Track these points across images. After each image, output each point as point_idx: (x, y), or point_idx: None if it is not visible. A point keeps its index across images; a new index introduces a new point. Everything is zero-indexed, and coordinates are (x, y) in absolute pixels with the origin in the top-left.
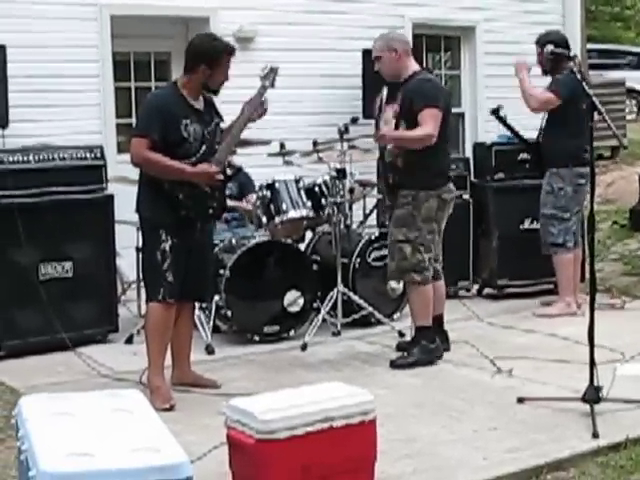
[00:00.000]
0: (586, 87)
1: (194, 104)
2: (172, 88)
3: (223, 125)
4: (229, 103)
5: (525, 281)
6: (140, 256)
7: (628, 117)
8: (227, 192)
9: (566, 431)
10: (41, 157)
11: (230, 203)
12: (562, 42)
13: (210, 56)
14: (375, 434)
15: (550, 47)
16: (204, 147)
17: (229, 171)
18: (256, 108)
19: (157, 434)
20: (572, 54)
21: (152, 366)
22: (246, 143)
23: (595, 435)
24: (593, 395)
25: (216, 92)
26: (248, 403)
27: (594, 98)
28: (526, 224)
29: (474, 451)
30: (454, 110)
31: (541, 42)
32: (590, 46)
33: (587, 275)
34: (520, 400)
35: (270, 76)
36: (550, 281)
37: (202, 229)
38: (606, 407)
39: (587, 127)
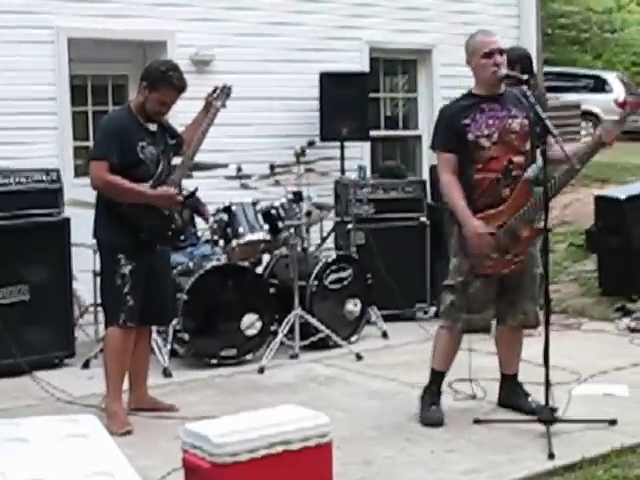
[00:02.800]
0: (539, 110)
1: (148, 126)
2: (126, 110)
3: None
4: (184, 127)
5: None
6: (97, 279)
7: (584, 140)
8: None
9: (522, 452)
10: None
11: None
12: (526, 57)
13: (150, 79)
14: (331, 457)
15: (503, 71)
16: (160, 169)
17: (184, 193)
18: (207, 129)
19: (112, 459)
20: (525, 77)
21: (110, 391)
22: (203, 167)
23: (551, 456)
24: (549, 416)
25: (152, 119)
26: (203, 427)
27: (547, 121)
28: None
29: (431, 473)
30: (410, 132)
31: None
32: (547, 69)
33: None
34: (477, 421)
35: (221, 97)
36: None
37: (160, 252)
38: (562, 428)
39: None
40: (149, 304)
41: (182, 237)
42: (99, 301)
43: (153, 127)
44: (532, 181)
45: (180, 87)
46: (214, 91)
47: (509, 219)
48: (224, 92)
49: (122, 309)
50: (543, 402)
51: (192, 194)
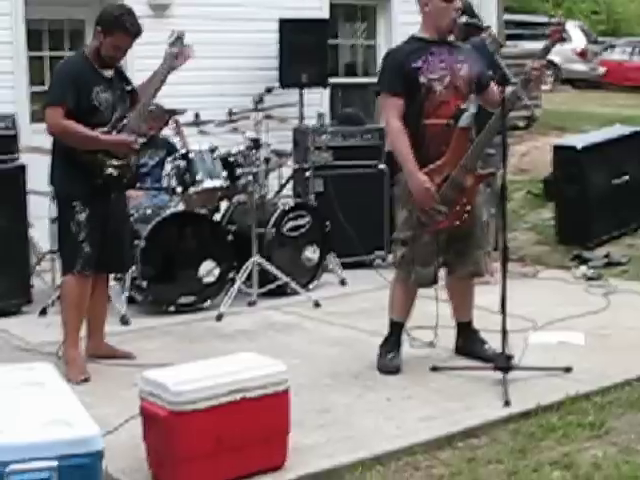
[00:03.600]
0: (498, 58)
1: (103, 72)
2: (81, 56)
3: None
4: (144, 71)
5: None
6: (54, 227)
7: (544, 87)
8: (155, 159)
9: (479, 399)
10: None
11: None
12: (469, 11)
13: (105, 23)
14: (288, 405)
15: (463, 18)
16: (115, 115)
17: (141, 140)
18: (165, 74)
19: (69, 407)
20: (484, 24)
21: (68, 338)
22: (162, 112)
23: (507, 403)
24: (505, 363)
25: (108, 64)
26: (161, 375)
27: (505, 69)
28: None
29: (388, 420)
30: (369, 80)
31: None
32: (507, 17)
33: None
34: (434, 369)
35: (177, 43)
36: None
37: (117, 199)
38: (518, 375)
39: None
40: (106, 251)
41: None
42: (57, 250)
43: (108, 73)
44: (468, 129)
45: (135, 32)
46: (171, 37)
47: (452, 170)
48: (179, 38)
49: (78, 256)
50: (499, 349)
51: (149, 140)
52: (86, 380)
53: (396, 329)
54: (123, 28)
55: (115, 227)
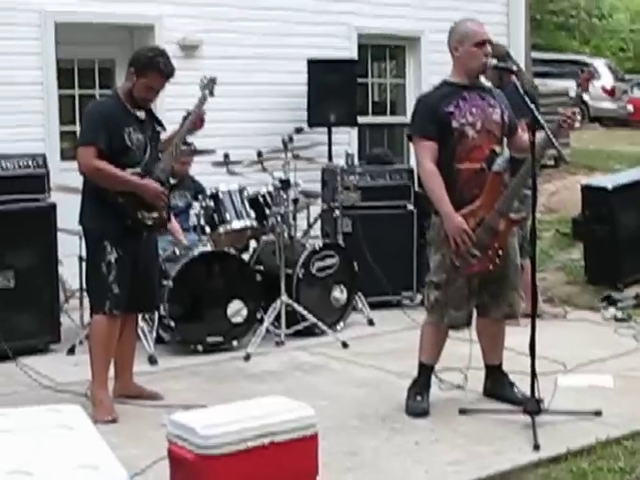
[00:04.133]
0: (528, 102)
1: (135, 112)
2: (114, 96)
3: (164, 134)
4: (173, 111)
5: None
6: (83, 265)
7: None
8: (184, 201)
9: (508, 443)
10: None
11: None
12: (504, 54)
13: (138, 65)
14: (316, 448)
15: (493, 61)
16: (147, 155)
17: (172, 180)
18: (197, 118)
19: (96, 450)
20: (515, 68)
21: (96, 379)
22: (191, 152)
23: (536, 447)
24: (534, 407)
25: (140, 105)
26: (189, 417)
27: (536, 113)
28: None
29: (416, 464)
30: (398, 119)
31: None
32: (535, 55)
33: None
34: (462, 412)
35: (209, 85)
36: None
37: (147, 239)
38: (547, 419)
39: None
40: (135, 291)
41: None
42: (84, 286)
43: (141, 114)
44: (501, 173)
45: (167, 73)
46: (204, 80)
47: (485, 214)
48: (212, 81)
49: (107, 297)
50: (528, 392)
51: (179, 183)
52: (113, 421)
53: (425, 372)
54: (157, 69)
55: (145, 266)
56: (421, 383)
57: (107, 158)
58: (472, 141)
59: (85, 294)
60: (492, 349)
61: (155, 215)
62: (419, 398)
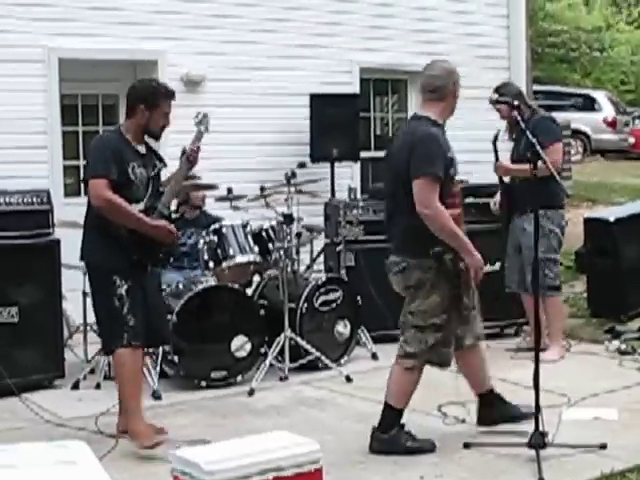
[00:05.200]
0: (529, 136)
1: (138, 148)
2: (117, 132)
3: (164, 170)
4: (177, 147)
5: None
6: (88, 300)
7: (573, 159)
8: (194, 239)
9: (512, 477)
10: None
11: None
12: (516, 95)
13: (148, 98)
14: None
15: (495, 96)
16: (149, 191)
17: (174, 215)
18: (192, 154)
19: None
20: (516, 103)
21: (130, 412)
22: (194, 187)
23: None
24: (539, 440)
25: (157, 136)
26: (194, 453)
27: (538, 147)
28: None
29: None
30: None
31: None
32: (536, 87)
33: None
34: (466, 445)
35: (204, 121)
36: (498, 325)
37: (152, 273)
38: (552, 452)
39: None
40: (148, 326)
41: (172, 258)
42: (89, 321)
43: (142, 149)
44: None
45: (173, 93)
46: (198, 116)
47: None
48: (206, 117)
49: (125, 330)
50: (533, 426)
51: (179, 218)
52: (157, 444)
53: (399, 415)
54: (165, 95)
55: (152, 301)
56: (401, 426)
57: (113, 192)
58: (455, 187)
59: (89, 329)
60: (480, 377)
61: (162, 250)
62: (416, 439)
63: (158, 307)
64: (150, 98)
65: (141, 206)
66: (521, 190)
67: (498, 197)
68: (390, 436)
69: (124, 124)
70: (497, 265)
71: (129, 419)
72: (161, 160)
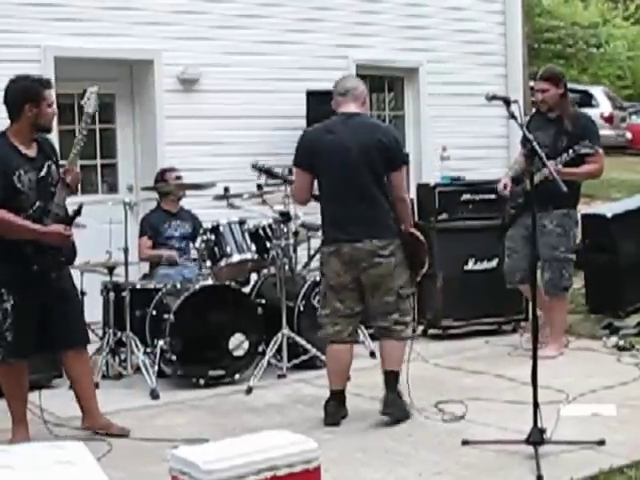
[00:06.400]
0: (526, 133)
1: (27, 152)
2: (3, 140)
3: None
4: (175, 144)
5: (469, 321)
6: (85, 300)
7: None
8: (181, 231)
9: (511, 474)
10: None
11: (155, 252)
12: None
13: (31, 95)
14: None
15: (491, 93)
16: (39, 195)
17: (70, 212)
18: (75, 176)
19: None
20: (513, 99)
21: (11, 415)
22: (191, 186)
23: (539, 478)
24: (537, 437)
25: (49, 129)
26: (191, 452)
27: (534, 144)
28: (470, 265)
29: None
30: None
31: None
32: (533, 84)
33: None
34: (465, 443)
35: (90, 98)
36: (496, 321)
37: (58, 277)
38: (550, 449)
39: None
40: (56, 331)
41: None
42: (88, 321)
43: (32, 152)
44: None
45: (49, 81)
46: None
47: None
48: (92, 93)
49: (1, 345)
50: (532, 423)
51: (78, 212)
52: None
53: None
54: (45, 86)
55: (59, 306)
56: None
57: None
58: None
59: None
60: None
61: (62, 254)
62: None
63: (69, 309)
64: (33, 95)
65: (29, 214)
66: (543, 187)
67: (506, 180)
68: (404, 399)
69: (10, 129)
70: (495, 262)
71: (12, 420)
72: (54, 154)
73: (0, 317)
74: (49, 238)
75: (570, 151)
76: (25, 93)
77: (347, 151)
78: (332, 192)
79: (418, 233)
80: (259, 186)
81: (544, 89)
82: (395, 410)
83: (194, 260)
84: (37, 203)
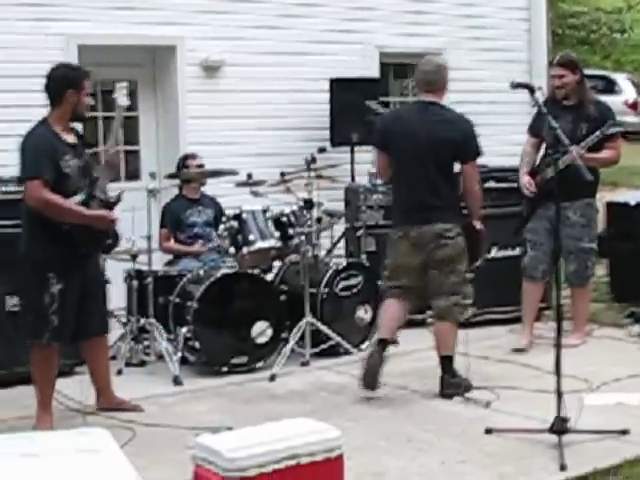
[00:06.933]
0: (552, 121)
1: (67, 139)
2: (45, 126)
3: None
4: (195, 132)
5: (493, 309)
6: (108, 286)
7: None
8: (204, 217)
9: (534, 463)
10: (9, 189)
11: (177, 247)
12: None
13: (74, 81)
14: (342, 470)
15: (515, 81)
16: (84, 181)
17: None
18: (114, 157)
19: (123, 473)
20: (536, 86)
21: (38, 400)
22: (214, 173)
23: (562, 467)
24: (560, 426)
25: (85, 118)
26: (215, 440)
27: (559, 131)
28: (493, 252)
29: None
30: None
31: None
32: (549, 70)
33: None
34: (488, 431)
35: (121, 92)
36: (518, 309)
37: (93, 263)
38: (574, 438)
39: None
40: (86, 316)
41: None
42: (111, 308)
43: (72, 139)
44: None
45: (89, 72)
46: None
47: None
48: (123, 87)
49: (47, 328)
50: (555, 412)
51: (119, 198)
52: None
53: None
54: (86, 75)
55: (92, 292)
56: None
57: (50, 189)
58: None
59: (111, 316)
60: None
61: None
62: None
63: (100, 297)
64: (75, 82)
65: (79, 198)
66: (565, 176)
67: (527, 178)
68: (458, 378)
69: (51, 116)
70: (518, 250)
71: (38, 404)
72: (89, 145)
73: (47, 301)
74: (96, 222)
75: (597, 132)
76: (67, 80)
77: (415, 141)
78: (401, 178)
79: (479, 226)
80: (282, 173)
81: (561, 75)
82: (451, 391)
83: (218, 252)
84: (81, 189)
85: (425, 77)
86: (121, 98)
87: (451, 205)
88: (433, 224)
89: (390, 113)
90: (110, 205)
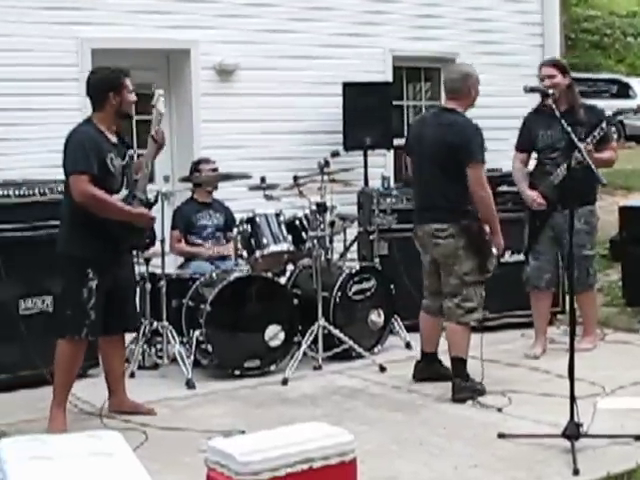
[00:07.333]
0: (565, 125)
1: (112, 139)
2: (91, 125)
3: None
4: (209, 135)
5: (505, 314)
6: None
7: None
8: (215, 221)
9: (547, 468)
10: (21, 192)
11: (188, 249)
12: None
13: (113, 83)
14: (355, 475)
15: (530, 85)
16: (126, 179)
17: (151, 199)
18: (162, 135)
19: (136, 477)
20: (551, 91)
21: (56, 398)
22: (227, 177)
23: (576, 472)
24: (574, 431)
25: (130, 115)
26: (228, 443)
27: (572, 135)
28: (505, 257)
29: None
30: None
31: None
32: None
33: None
34: (501, 436)
35: (159, 100)
36: (530, 314)
37: (125, 261)
38: (587, 443)
39: None
40: (115, 313)
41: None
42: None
43: (114, 139)
44: None
45: (128, 71)
46: (154, 97)
47: None
48: (161, 95)
49: (85, 323)
50: (568, 417)
51: (156, 199)
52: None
53: (466, 366)
54: (124, 73)
55: (123, 289)
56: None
57: (94, 185)
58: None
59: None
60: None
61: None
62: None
63: (130, 294)
64: (115, 84)
65: (121, 195)
66: (570, 184)
67: (530, 193)
68: (470, 382)
69: (95, 116)
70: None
71: (53, 403)
72: (128, 146)
73: (85, 296)
74: (138, 219)
75: (603, 124)
76: (107, 83)
77: (424, 145)
78: (415, 180)
79: (484, 227)
80: (295, 177)
81: (550, 74)
82: (462, 395)
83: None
84: (124, 187)
85: (449, 84)
86: (160, 105)
87: (455, 206)
88: (430, 223)
89: (415, 119)
90: (150, 205)
